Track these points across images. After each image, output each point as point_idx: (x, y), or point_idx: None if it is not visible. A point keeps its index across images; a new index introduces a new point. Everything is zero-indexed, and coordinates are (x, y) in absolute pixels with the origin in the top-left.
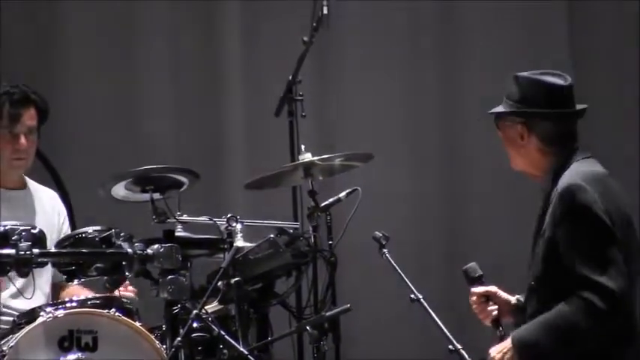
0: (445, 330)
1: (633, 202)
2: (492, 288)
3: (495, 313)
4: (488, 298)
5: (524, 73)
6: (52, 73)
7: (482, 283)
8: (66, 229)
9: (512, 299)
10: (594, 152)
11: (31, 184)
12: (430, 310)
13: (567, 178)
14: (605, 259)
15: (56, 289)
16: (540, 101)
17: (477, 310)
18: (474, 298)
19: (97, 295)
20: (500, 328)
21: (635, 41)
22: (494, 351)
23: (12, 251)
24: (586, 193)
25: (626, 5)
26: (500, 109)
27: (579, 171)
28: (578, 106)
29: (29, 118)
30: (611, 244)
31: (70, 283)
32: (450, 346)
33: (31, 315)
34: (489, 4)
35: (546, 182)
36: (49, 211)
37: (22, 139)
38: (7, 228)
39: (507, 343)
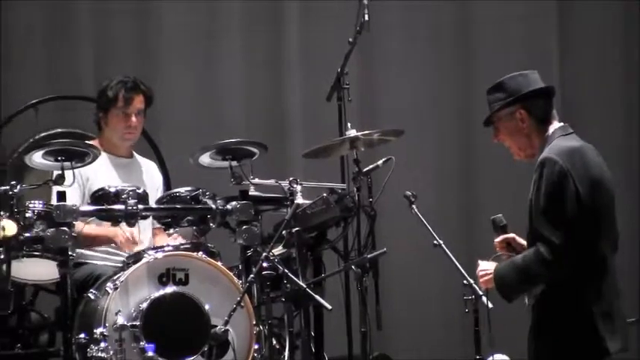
0: (460, 268)
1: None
2: (511, 235)
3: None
4: (509, 243)
5: (502, 79)
6: (153, 68)
7: (505, 232)
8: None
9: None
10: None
11: (137, 155)
12: (449, 252)
13: (545, 152)
14: (558, 221)
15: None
16: (528, 85)
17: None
18: (498, 243)
19: (188, 241)
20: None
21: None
22: (482, 266)
23: (122, 207)
24: (554, 166)
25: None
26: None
27: (555, 146)
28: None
29: (139, 102)
30: (568, 208)
31: (161, 234)
32: (465, 281)
33: (137, 256)
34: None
35: (537, 157)
36: (150, 177)
37: (133, 118)
38: (117, 188)
39: (491, 268)
